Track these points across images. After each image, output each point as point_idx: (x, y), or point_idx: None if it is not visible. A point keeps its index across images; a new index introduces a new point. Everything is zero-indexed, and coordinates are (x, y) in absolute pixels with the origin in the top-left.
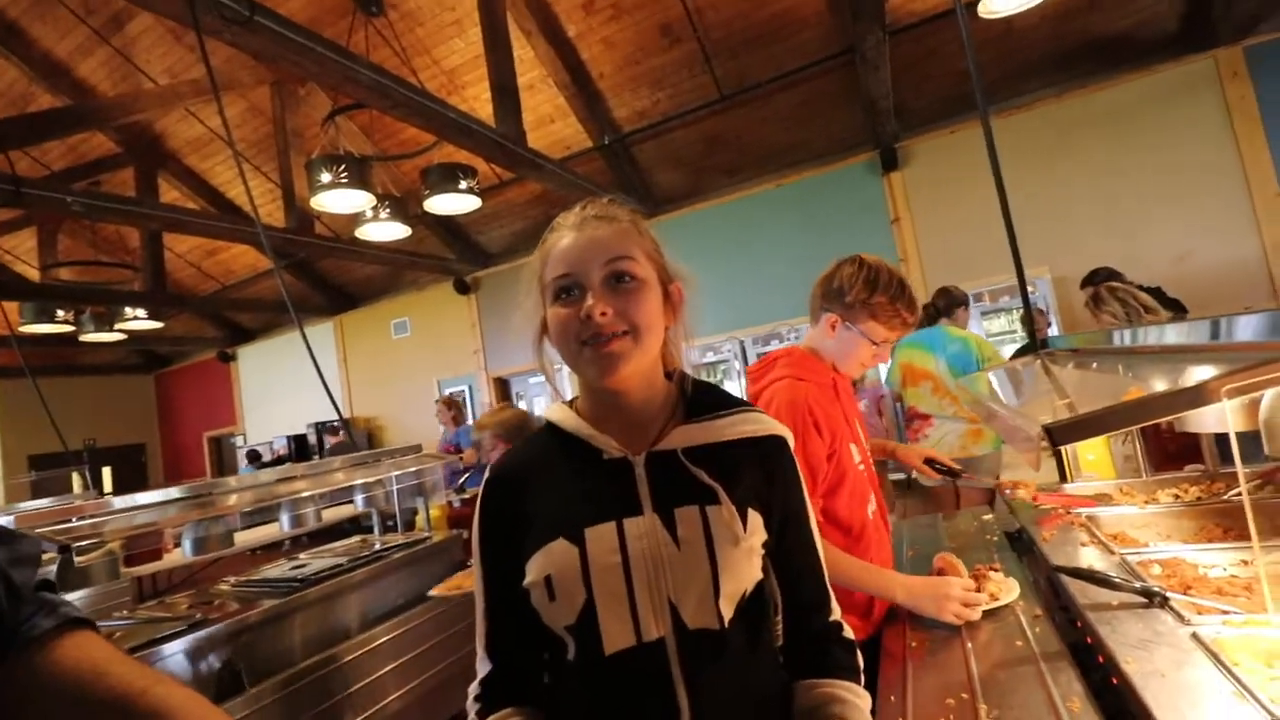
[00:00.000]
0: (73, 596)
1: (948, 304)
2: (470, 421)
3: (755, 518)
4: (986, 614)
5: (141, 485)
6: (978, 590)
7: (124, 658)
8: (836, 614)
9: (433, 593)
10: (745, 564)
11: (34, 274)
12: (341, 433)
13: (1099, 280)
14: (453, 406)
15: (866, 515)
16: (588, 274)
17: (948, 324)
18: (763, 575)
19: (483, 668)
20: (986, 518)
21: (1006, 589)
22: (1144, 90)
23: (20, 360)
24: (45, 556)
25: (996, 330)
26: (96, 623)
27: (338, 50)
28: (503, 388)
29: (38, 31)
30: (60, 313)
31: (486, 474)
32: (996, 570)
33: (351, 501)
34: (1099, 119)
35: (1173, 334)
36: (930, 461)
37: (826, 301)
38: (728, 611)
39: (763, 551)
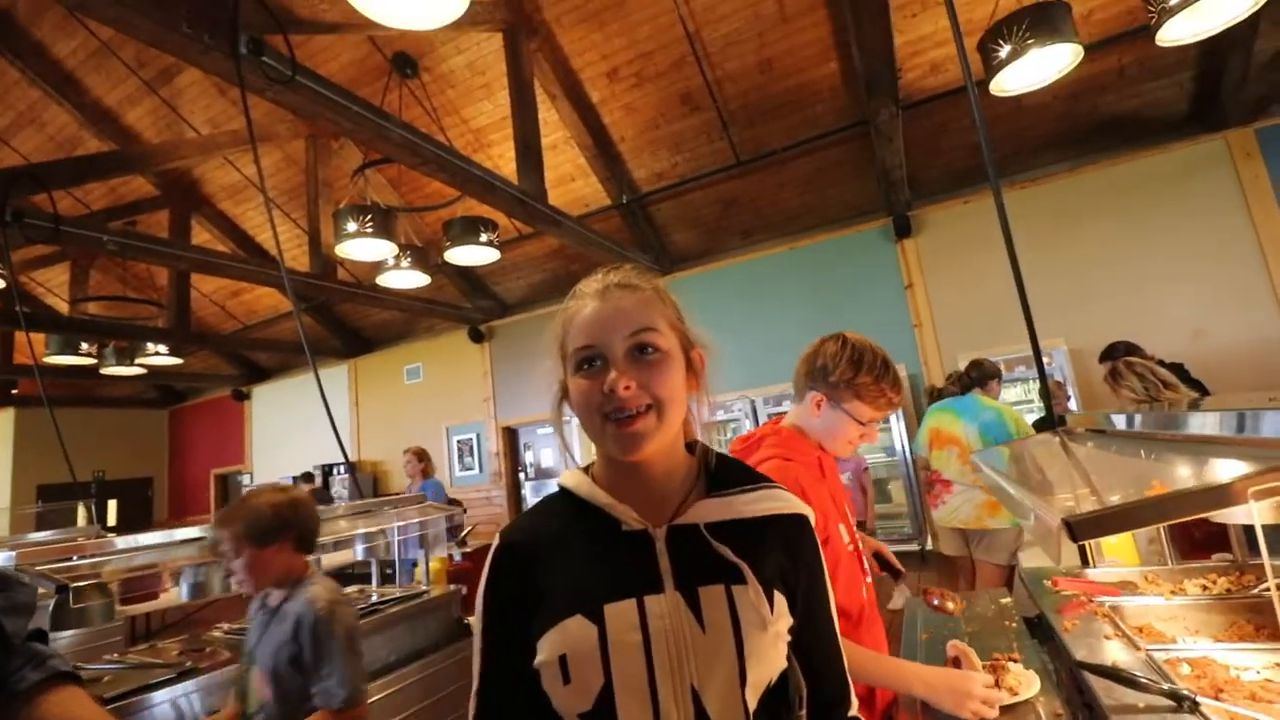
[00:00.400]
0: (65, 636)
1: (980, 375)
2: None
3: (780, 601)
4: (1004, 709)
5: (146, 519)
6: (996, 684)
7: (105, 715)
8: (855, 708)
9: None
10: (771, 650)
11: (64, 307)
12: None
13: (1117, 355)
14: (423, 458)
15: (862, 598)
16: (611, 346)
17: (980, 394)
18: (786, 664)
19: None
20: (1005, 601)
21: (1026, 682)
22: (1156, 167)
23: (41, 390)
24: (41, 593)
25: (1012, 400)
26: (81, 676)
27: (372, 109)
28: (511, 437)
29: (92, 81)
30: (85, 345)
31: (496, 541)
32: (1015, 661)
33: (352, 549)
34: (1112, 194)
35: (1197, 422)
36: (878, 556)
37: (811, 380)
38: (753, 702)
39: (789, 638)
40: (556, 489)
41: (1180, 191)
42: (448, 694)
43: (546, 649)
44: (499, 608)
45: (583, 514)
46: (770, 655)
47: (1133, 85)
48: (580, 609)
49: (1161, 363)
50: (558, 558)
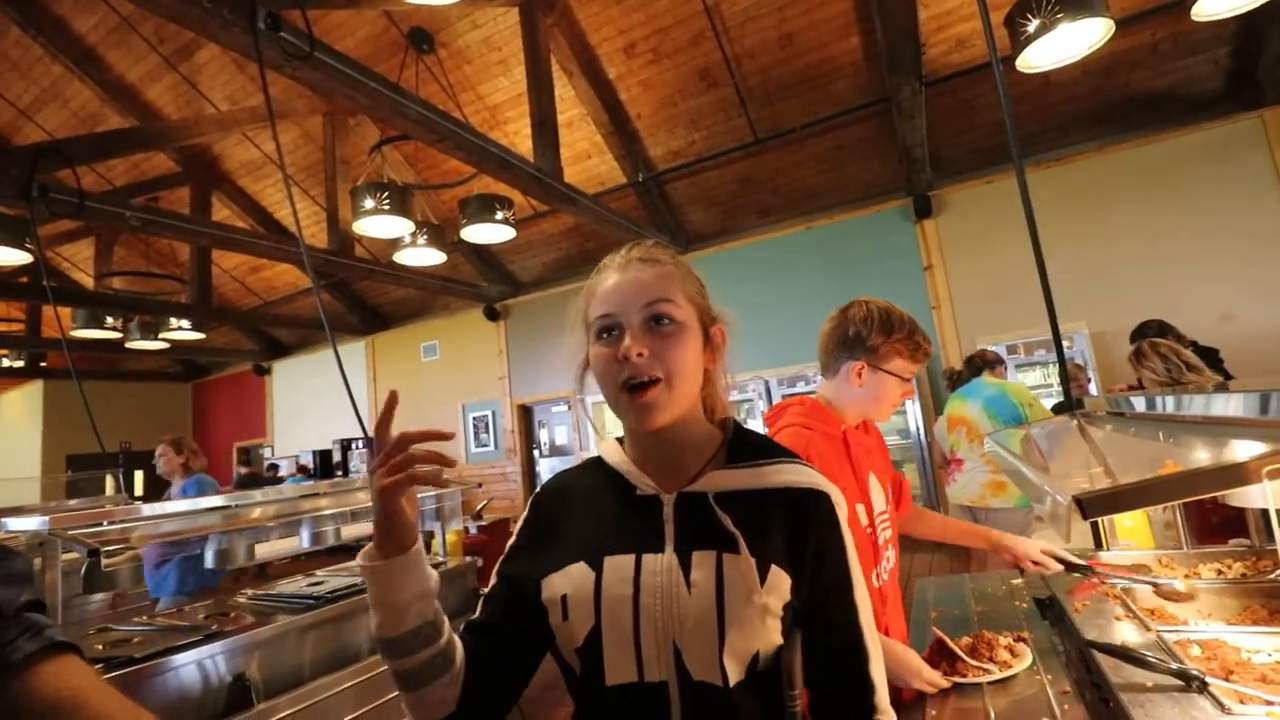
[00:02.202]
0: (96, 599)
1: (982, 365)
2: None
3: (779, 576)
4: (998, 683)
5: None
6: (990, 658)
7: (105, 687)
8: (882, 705)
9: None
10: (757, 623)
11: (89, 281)
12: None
13: (1149, 333)
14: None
15: (871, 584)
16: (628, 314)
17: (988, 375)
18: (784, 644)
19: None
20: (1016, 582)
21: (1020, 656)
22: (1188, 147)
23: (69, 363)
24: (71, 558)
25: (1031, 384)
26: (80, 646)
27: (389, 86)
28: (526, 415)
29: (113, 57)
30: (110, 320)
31: (539, 489)
32: (1024, 640)
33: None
34: (1141, 174)
35: (1219, 404)
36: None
37: (846, 351)
38: (734, 670)
39: (782, 615)
40: (593, 455)
41: (1213, 172)
42: None
43: (550, 588)
44: (530, 538)
45: (609, 477)
46: (755, 627)
47: (1166, 61)
48: (584, 557)
49: (1195, 345)
50: (580, 511)
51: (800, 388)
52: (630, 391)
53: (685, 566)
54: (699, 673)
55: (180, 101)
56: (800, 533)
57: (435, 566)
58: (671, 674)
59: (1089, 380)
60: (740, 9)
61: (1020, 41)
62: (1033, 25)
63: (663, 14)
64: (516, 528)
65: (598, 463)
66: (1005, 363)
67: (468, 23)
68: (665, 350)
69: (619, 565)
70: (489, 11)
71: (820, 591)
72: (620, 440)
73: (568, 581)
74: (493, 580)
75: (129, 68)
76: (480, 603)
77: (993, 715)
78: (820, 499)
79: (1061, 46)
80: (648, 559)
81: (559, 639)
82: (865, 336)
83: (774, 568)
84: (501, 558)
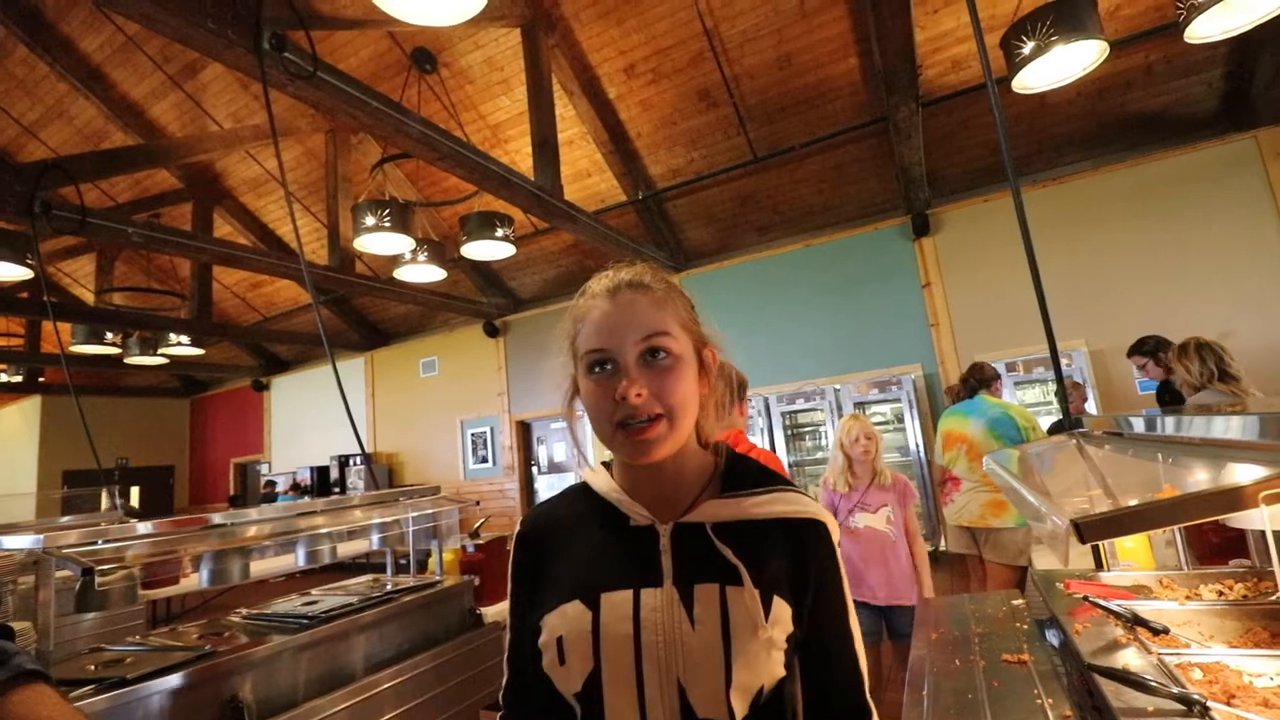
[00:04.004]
0: (89, 619)
1: (981, 379)
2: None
3: (782, 608)
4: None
5: (168, 506)
6: None
7: (74, 714)
8: None
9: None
10: (763, 656)
11: (89, 297)
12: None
13: (1145, 349)
14: None
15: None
16: (622, 350)
17: (986, 394)
18: (786, 674)
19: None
20: (1017, 603)
21: None
22: (1183, 167)
23: (67, 378)
24: (64, 575)
25: (1030, 402)
26: (50, 675)
27: (391, 105)
28: (524, 431)
29: (118, 75)
30: (109, 335)
31: (519, 526)
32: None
33: (368, 539)
34: (1137, 193)
35: (1219, 426)
36: None
37: None
38: (740, 707)
39: (785, 647)
40: (574, 482)
41: (1207, 192)
42: (460, 682)
43: (547, 630)
44: (520, 585)
45: (598, 507)
46: (761, 661)
47: (1160, 83)
48: (580, 595)
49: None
50: (570, 545)
51: (800, 405)
52: (628, 429)
53: (686, 601)
54: (704, 711)
55: (184, 119)
56: (800, 563)
57: (432, 585)
58: (675, 714)
59: (1086, 399)
60: (739, 30)
61: (1015, 63)
62: (1028, 47)
63: (663, 35)
64: (510, 572)
65: (583, 490)
66: (1001, 378)
67: (470, 43)
68: (664, 387)
69: (617, 603)
70: (491, 32)
71: (820, 621)
72: (607, 465)
73: (563, 622)
74: (507, 671)
75: (133, 86)
76: (503, 694)
77: None
78: (818, 529)
79: (1056, 68)
80: (646, 594)
81: (555, 683)
82: None
83: (776, 598)
84: (510, 637)
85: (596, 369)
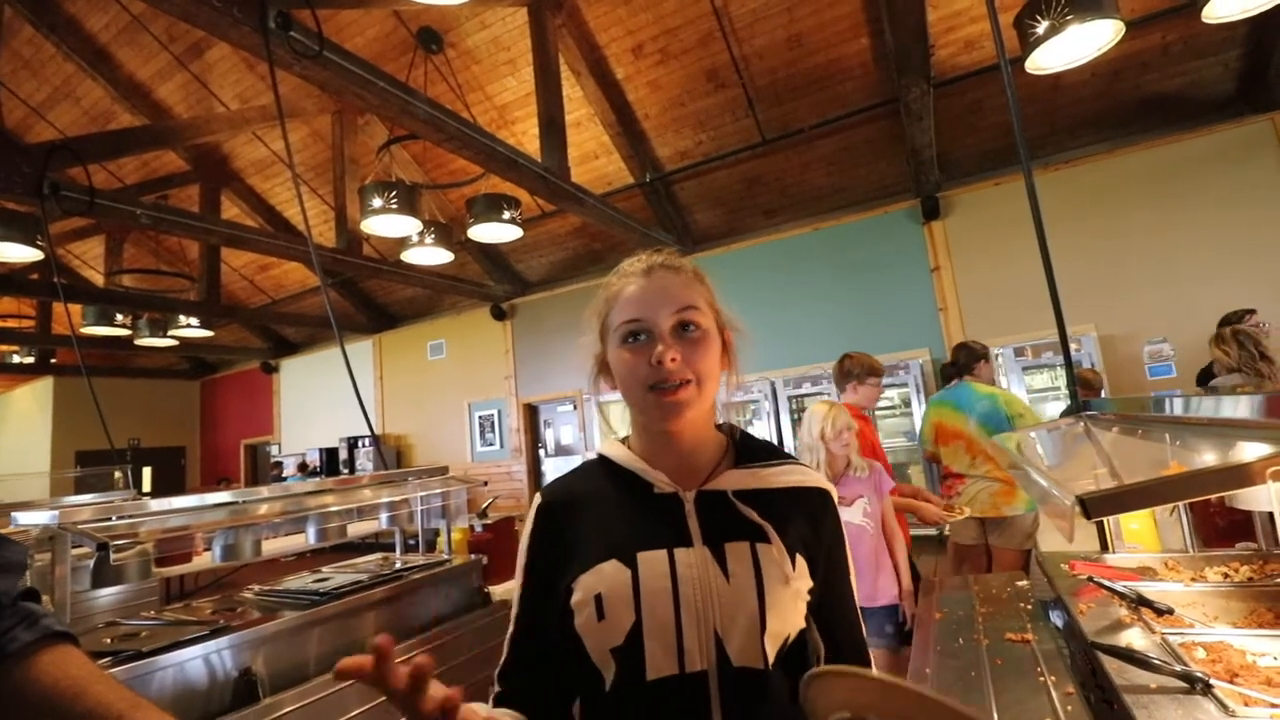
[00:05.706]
0: (105, 593)
1: (968, 359)
2: None
3: (802, 563)
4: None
5: (179, 487)
6: None
7: (104, 676)
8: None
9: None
10: (791, 606)
11: (99, 279)
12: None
13: (1232, 321)
14: None
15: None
16: (657, 321)
17: (972, 380)
18: (806, 625)
19: (492, 690)
20: (1021, 584)
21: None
22: (1199, 149)
23: (79, 359)
24: (81, 552)
25: (1039, 387)
26: (77, 636)
27: (398, 85)
28: (531, 414)
29: (124, 56)
30: (119, 317)
31: (537, 499)
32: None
33: (377, 518)
34: (1151, 176)
35: (1228, 406)
36: None
37: None
38: (772, 652)
39: (809, 599)
40: (588, 459)
41: (1223, 175)
42: (467, 659)
43: (583, 589)
44: (538, 562)
45: (618, 478)
46: (789, 610)
47: (1176, 64)
48: (615, 555)
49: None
50: (593, 514)
51: (806, 389)
52: (660, 391)
53: (719, 558)
54: (740, 658)
55: (190, 100)
56: (813, 526)
57: (440, 564)
58: (712, 663)
59: (1102, 388)
60: (749, 10)
61: (1029, 43)
62: (1042, 27)
63: (671, 14)
64: (524, 545)
65: (599, 464)
66: (989, 356)
67: (476, 23)
68: (694, 356)
69: (653, 560)
70: (498, 11)
71: (830, 579)
72: (624, 440)
73: (601, 580)
74: (508, 650)
75: (140, 66)
76: (509, 645)
77: (996, 715)
78: (826, 496)
79: (1071, 48)
80: (680, 553)
81: (590, 642)
82: None
83: (798, 556)
84: (517, 613)
85: (631, 339)
